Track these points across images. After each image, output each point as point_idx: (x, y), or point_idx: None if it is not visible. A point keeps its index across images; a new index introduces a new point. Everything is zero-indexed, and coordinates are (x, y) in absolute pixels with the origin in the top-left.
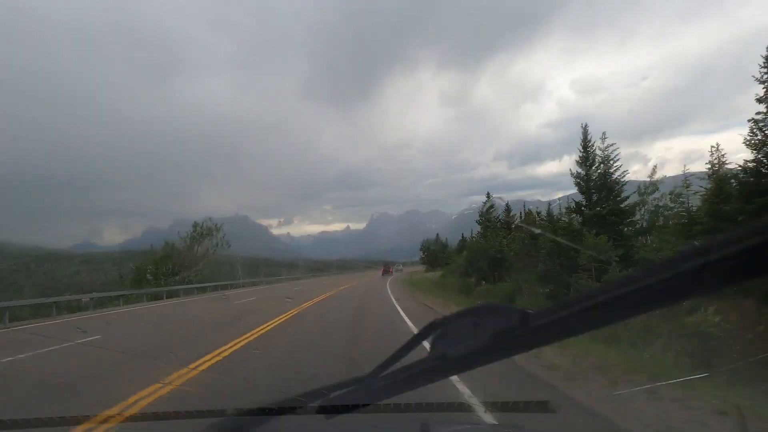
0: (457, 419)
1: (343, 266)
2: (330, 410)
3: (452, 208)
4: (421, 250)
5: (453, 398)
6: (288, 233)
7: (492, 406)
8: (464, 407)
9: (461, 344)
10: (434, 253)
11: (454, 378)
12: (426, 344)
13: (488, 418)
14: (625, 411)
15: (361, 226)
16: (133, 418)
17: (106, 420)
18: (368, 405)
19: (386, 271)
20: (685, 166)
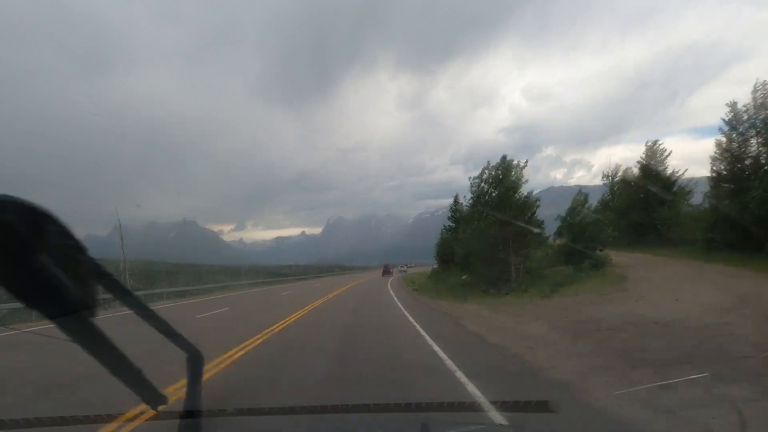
0: (458, 419)
1: (304, 272)
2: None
3: (409, 212)
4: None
5: (454, 398)
6: (240, 239)
7: (492, 406)
8: (464, 406)
9: None
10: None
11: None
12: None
13: (488, 417)
14: (625, 411)
15: (317, 230)
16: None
17: (104, 420)
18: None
19: (386, 272)
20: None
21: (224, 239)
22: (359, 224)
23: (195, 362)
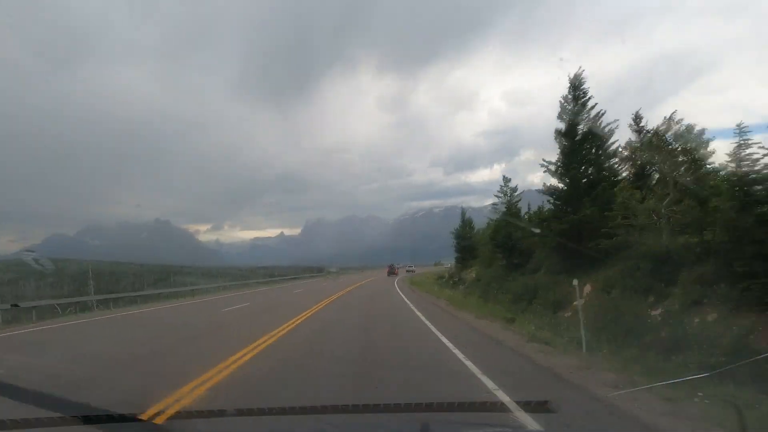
0: (461, 419)
1: (281, 273)
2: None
3: (390, 214)
4: (456, 239)
5: (457, 398)
6: (217, 239)
7: (492, 406)
8: (464, 407)
9: None
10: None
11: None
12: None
13: (489, 416)
14: (624, 411)
15: (296, 231)
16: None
17: (102, 420)
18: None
19: (392, 272)
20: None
21: (199, 240)
22: (340, 225)
23: None
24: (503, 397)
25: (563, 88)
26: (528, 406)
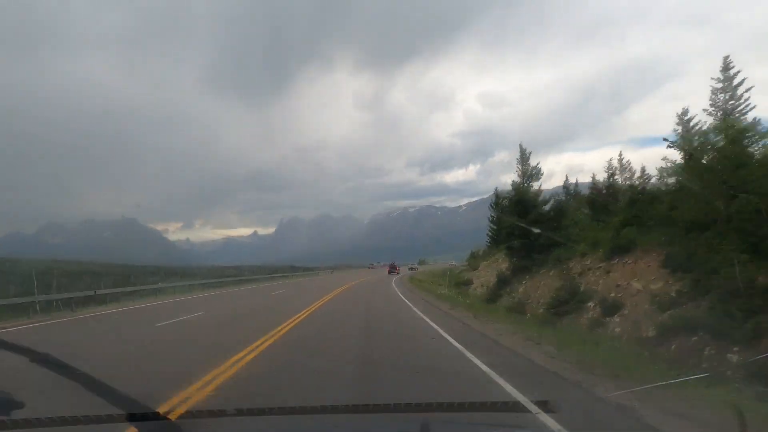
0: (462, 419)
1: (253, 273)
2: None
3: (365, 213)
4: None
5: (454, 398)
6: (187, 238)
7: (492, 406)
8: (464, 407)
9: None
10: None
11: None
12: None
13: (489, 416)
14: (624, 411)
15: (269, 230)
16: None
17: (105, 421)
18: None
19: (392, 271)
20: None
21: (169, 239)
22: (314, 225)
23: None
24: (506, 397)
25: None
26: (528, 406)
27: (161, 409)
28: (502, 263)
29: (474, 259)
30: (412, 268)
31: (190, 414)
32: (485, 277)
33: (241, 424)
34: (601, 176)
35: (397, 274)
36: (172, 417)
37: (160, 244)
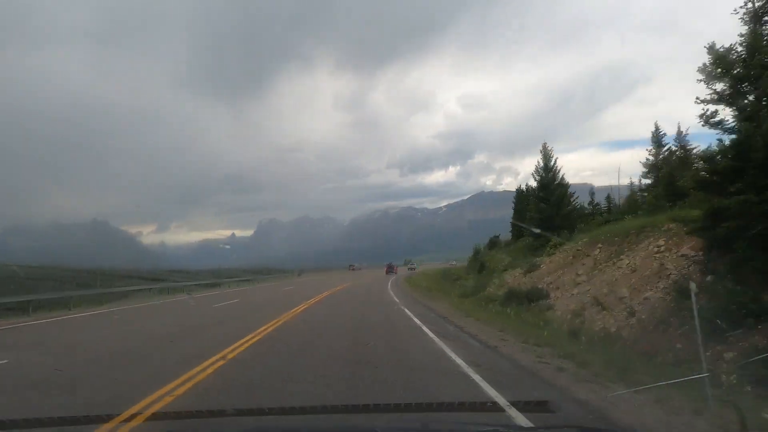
0: (458, 419)
1: (229, 275)
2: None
3: (345, 215)
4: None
5: (454, 398)
6: (162, 241)
7: (492, 406)
8: (464, 407)
9: None
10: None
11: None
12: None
13: (489, 416)
14: (623, 411)
15: (248, 233)
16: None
17: (101, 420)
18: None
19: (390, 271)
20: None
21: (142, 242)
22: (294, 226)
23: None
24: (504, 397)
25: None
26: (528, 406)
27: None
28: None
29: (519, 254)
30: (411, 268)
31: (190, 414)
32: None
33: (241, 423)
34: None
35: (395, 274)
36: None
37: (134, 248)
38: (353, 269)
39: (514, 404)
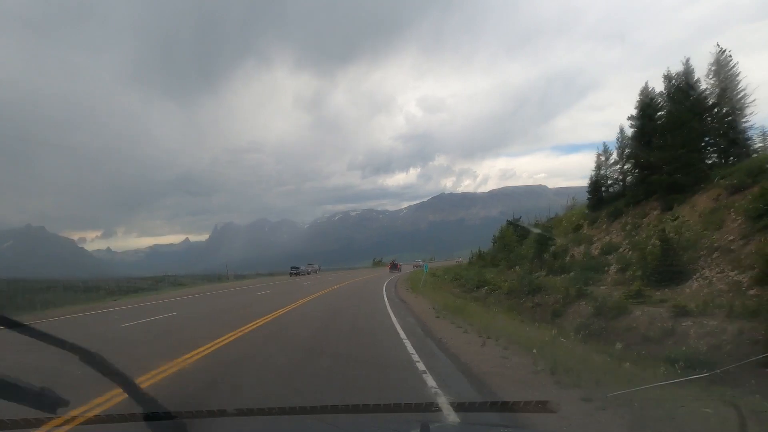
0: (458, 419)
1: (181, 282)
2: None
3: (304, 218)
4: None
5: (423, 398)
6: (108, 248)
7: (492, 406)
8: (464, 407)
9: None
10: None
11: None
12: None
13: (489, 417)
14: (623, 411)
15: (203, 237)
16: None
17: (70, 421)
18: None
19: (393, 268)
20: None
21: (86, 248)
22: (251, 230)
23: (92, 361)
24: (503, 397)
25: None
26: (528, 406)
27: None
28: None
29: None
30: (417, 266)
31: (190, 414)
32: None
33: (241, 424)
34: None
35: (399, 271)
36: None
37: (74, 255)
38: (297, 274)
39: (513, 404)
